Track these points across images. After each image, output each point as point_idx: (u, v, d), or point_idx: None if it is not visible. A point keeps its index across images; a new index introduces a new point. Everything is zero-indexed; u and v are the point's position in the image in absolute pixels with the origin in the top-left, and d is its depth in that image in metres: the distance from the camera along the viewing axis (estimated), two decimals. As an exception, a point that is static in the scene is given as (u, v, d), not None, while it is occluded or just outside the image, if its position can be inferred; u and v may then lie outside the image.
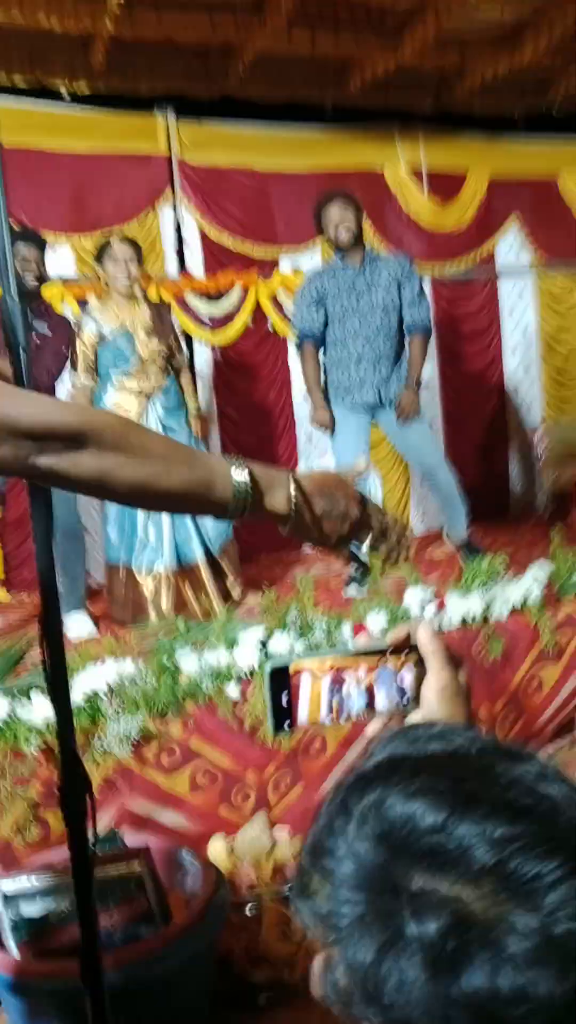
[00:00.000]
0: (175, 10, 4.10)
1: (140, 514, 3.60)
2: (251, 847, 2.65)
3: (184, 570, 3.67)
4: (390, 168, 5.50)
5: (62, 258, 4.70)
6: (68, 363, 3.69)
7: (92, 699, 2.53)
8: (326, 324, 4.00)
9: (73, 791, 1.28)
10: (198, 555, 3.68)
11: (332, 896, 0.54)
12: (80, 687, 2.54)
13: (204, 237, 5.02)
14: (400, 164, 5.51)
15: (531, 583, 3.43)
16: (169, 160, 4.93)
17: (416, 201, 5.59)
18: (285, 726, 0.82)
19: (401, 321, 3.99)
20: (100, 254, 3.71)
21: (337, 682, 0.83)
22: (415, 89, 5.21)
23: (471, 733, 0.63)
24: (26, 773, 2.40)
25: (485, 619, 3.32)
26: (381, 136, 5.43)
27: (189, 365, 4.02)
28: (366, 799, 0.56)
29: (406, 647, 0.84)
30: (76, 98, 4.66)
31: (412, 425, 4.01)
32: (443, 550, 4.61)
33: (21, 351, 1.19)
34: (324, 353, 4.07)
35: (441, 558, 4.55)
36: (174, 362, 3.81)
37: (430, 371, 5.81)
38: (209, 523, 3.67)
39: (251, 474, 0.92)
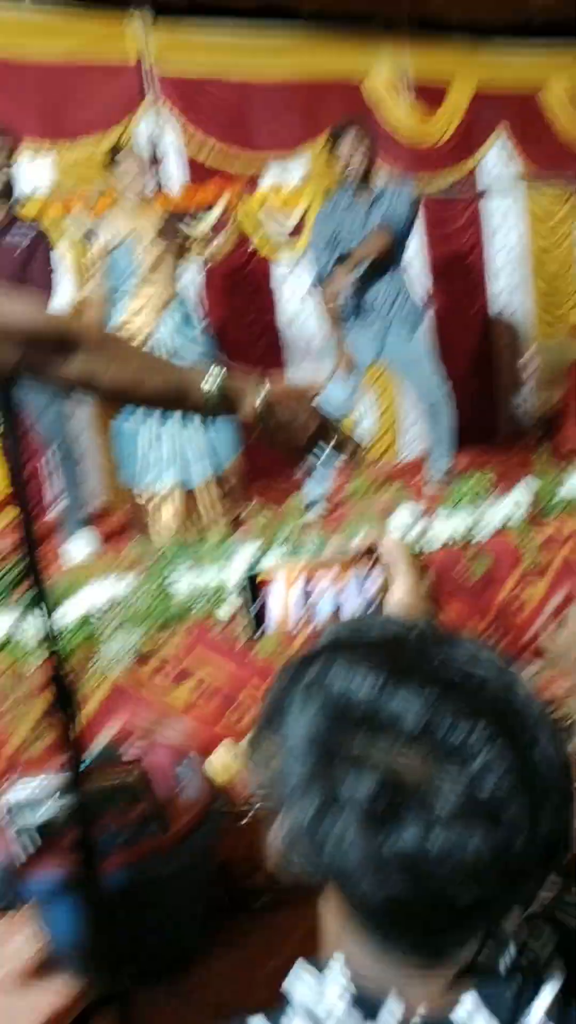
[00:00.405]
0: None
1: (146, 434, 3.56)
2: (247, 759, 2.72)
3: (190, 489, 3.66)
4: (370, 78, 5.31)
5: (43, 169, 4.53)
6: (54, 275, 3.59)
7: (89, 616, 2.56)
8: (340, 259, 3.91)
9: (62, 697, 1.33)
10: (205, 475, 3.65)
11: (281, 761, 0.58)
12: (78, 605, 2.57)
13: (183, 153, 4.86)
14: (381, 73, 5.33)
15: (515, 503, 3.46)
16: (140, 69, 4.72)
17: (397, 113, 5.42)
18: (259, 632, 0.87)
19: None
20: (114, 158, 3.60)
21: (304, 586, 0.86)
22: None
23: (411, 622, 0.66)
24: (35, 684, 2.43)
25: (468, 541, 3.35)
26: (361, 39, 5.20)
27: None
28: (310, 673, 0.59)
29: (372, 554, 0.86)
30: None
31: (421, 356, 4.04)
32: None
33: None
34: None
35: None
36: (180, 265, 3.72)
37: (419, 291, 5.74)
38: (219, 442, 3.64)
39: (221, 385, 1.01)
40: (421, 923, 0.56)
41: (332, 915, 0.62)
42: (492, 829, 0.53)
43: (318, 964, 0.62)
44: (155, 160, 4.81)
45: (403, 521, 3.24)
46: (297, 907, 2.30)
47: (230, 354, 4.02)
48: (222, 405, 1.02)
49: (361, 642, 0.62)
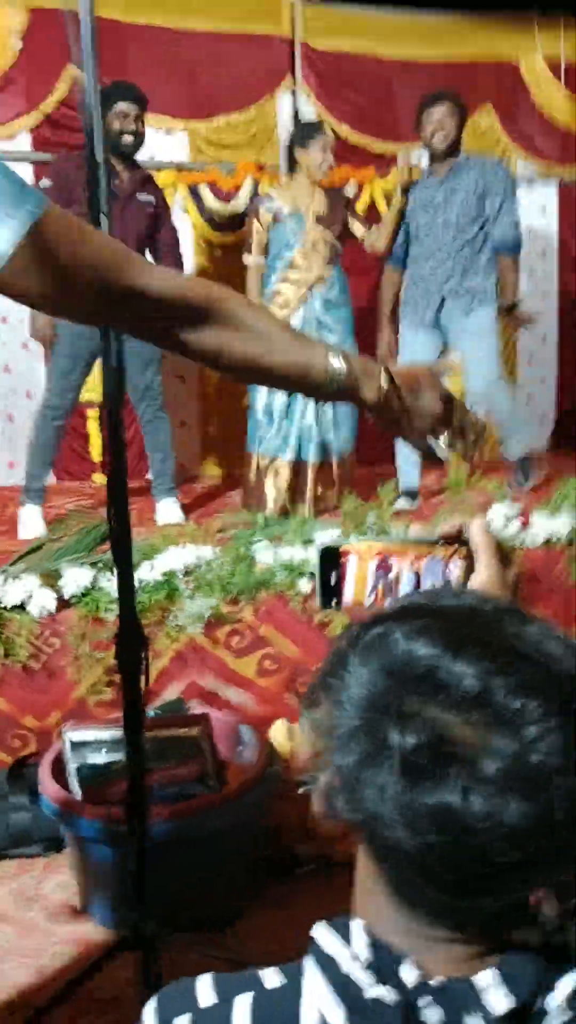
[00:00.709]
0: None
1: (277, 407, 3.65)
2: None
3: (302, 465, 3.72)
4: (526, 60, 5.16)
5: (178, 143, 4.66)
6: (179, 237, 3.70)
7: (170, 577, 2.65)
8: (408, 244, 3.82)
9: (129, 643, 1.37)
10: (319, 455, 3.72)
11: (334, 712, 0.60)
12: (160, 566, 2.66)
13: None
14: (538, 55, 5.15)
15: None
16: (292, 43, 4.75)
17: (554, 97, 5.23)
18: (332, 603, 0.85)
19: (465, 236, 3.71)
20: (304, 136, 3.62)
21: (383, 567, 0.85)
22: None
23: (487, 598, 0.66)
24: (106, 639, 2.56)
25: (570, 542, 3.26)
26: (518, 24, 5.06)
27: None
28: (375, 631, 0.61)
29: (457, 540, 0.84)
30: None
31: (478, 335, 3.76)
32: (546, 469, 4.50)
33: (103, 216, 1.22)
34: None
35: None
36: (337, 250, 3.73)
37: (550, 282, 5.57)
38: (340, 428, 3.71)
39: (347, 363, 0.99)
40: (453, 879, 0.56)
41: (364, 873, 0.64)
42: (536, 797, 0.54)
43: (340, 925, 0.64)
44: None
45: (499, 517, 3.18)
46: (343, 878, 2.34)
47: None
48: (346, 387, 1.01)
49: (432, 608, 0.63)
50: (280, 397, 3.66)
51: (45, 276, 0.88)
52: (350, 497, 3.13)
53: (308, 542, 2.88)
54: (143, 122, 3.49)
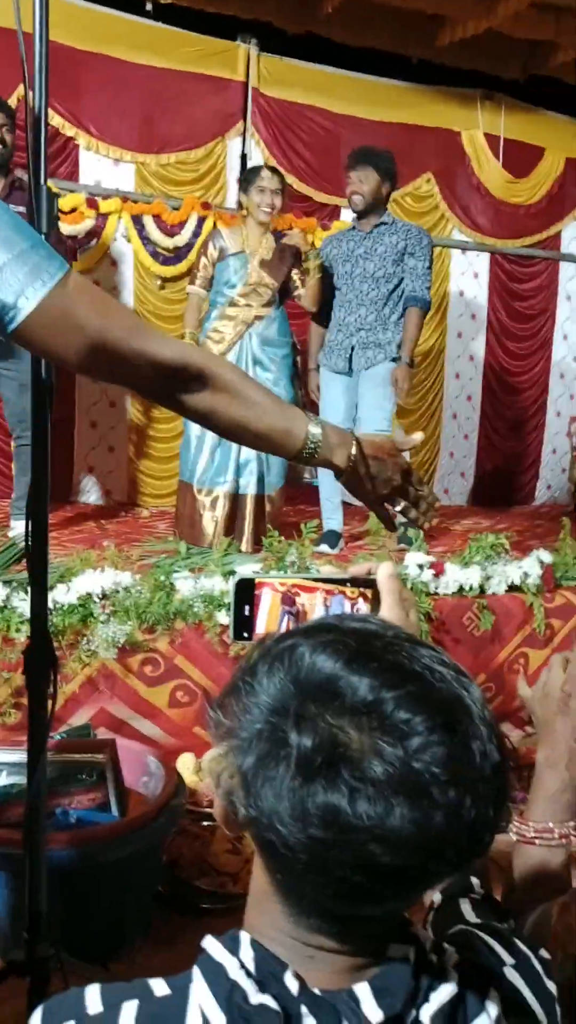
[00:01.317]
0: None
1: (211, 439, 3.66)
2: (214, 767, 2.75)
3: (236, 497, 3.73)
4: (468, 132, 5.43)
5: (124, 173, 4.71)
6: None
7: (85, 600, 2.62)
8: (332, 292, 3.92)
9: (39, 662, 1.36)
10: (253, 490, 3.73)
11: (241, 716, 0.63)
12: (76, 588, 2.63)
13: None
14: (479, 128, 5.44)
15: (532, 565, 3.47)
16: (245, 88, 4.89)
17: (490, 168, 5.51)
18: (244, 635, 0.88)
19: (380, 290, 3.84)
20: (247, 181, 3.69)
21: (288, 601, 0.88)
22: (504, 54, 5.11)
23: (389, 625, 0.70)
24: (13, 659, 2.51)
25: (482, 591, 3.37)
26: (462, 97, 5.35)
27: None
28: (283, 644, 0.65)
29: (365, 582, 0.88)
30: (160, 12, 4.63)
31: (371, 389, 3.85)
32: (462, 524, 4.66)
33: (40, 236, 1.24)
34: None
35: (456, 530, 4.60)
36: (283, 295, 3.79)
37: (478, 345, 5.80)
38: (272, 465, 3.74)
39: (323, 431, 1.10)
40: (337, 879, 0.59)
41: (256, 884, 0.67)
42: (418, 803, 0.57)
43: (228, 938, 0.66)
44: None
45: (414, 565, 3.26)
46: (240, 915, 2.33)
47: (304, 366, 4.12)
48: (321, 452, 1.10)
49: (338, 627, 0.66)
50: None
51: (65, 335, 0.97)
52: (273, 534, 3.16)
53: (229, 574, 2.90)
54: (12, 131, 3.46)
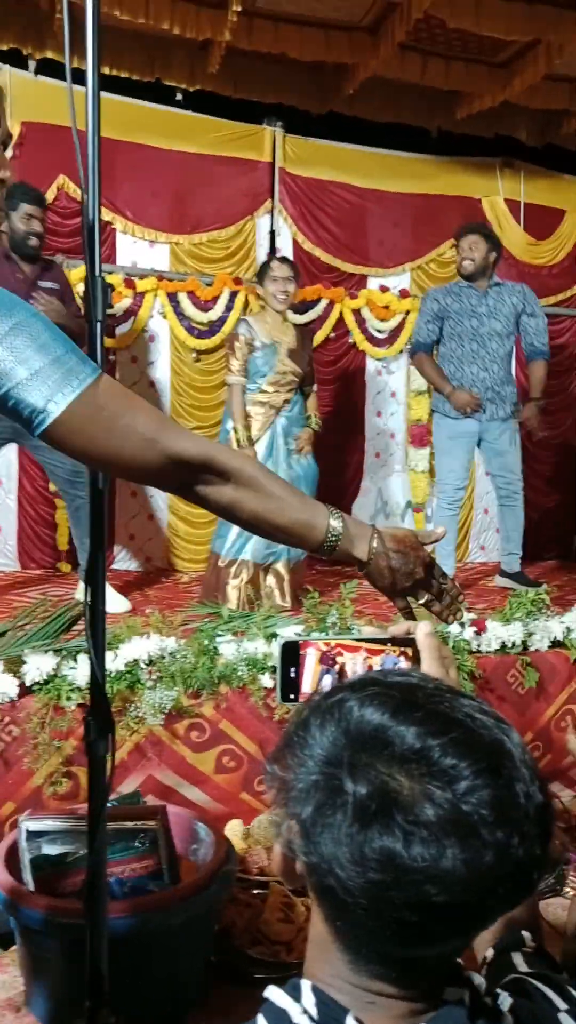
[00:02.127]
0: (292, 25, 4.27)
1: None
2: (266, 833, 2.74)
3: (261, 567, 3.84)
4: (488, 199, 5.58)
5: (158, 254, 4.91)
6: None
7: (132, 667, 2.66)
8: (438, 340, 4.19)
9: (100, 726, 1.39)
10: (278, 558, 3.85)
11: (297, 768, 0.68)
12: (124, 655, 2.68)
13: (297, 247, 5.17)
14: (499, 195, 5.59)
15: (575, 619, 3.46)
16: (272, 168, 5.10)
17: (512, 233, 5.64)
18: (291, 697, 0.93)
19: (506, 347, 4.17)
20: (261, 274, 3.91)
21: (328, 661, 0.92)
22: (520, 123, 5.29)
23: (429, 678, 0.75)
24: (64, 728, 2.55)
25: (524, 648, 3.36)
26: (482, 166, 5.52)
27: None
28: (332, 699, 0.70)
29: (405, 641, 0.93)
30: (189, 102, 4.87)
31: (511, 448, 4.21)
32: (496, 582, 4.65)
33: (97, 323, 1.33)
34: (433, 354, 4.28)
35: (493, 587, 4.59)
36: (304, 384, 4.02)
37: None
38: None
39: (343, 524, 1.11)
40: (395, 921, 0.62)
41: (315, 933, 0.71)
42: (468, 844, 0.61)
43: (290, 986, 0.70)
44: (272, 255, 5.14)
45: (454, 624, 3.26)
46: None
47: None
48: (340, 547, 1.11)
49: (382, 681, 0.71)
50: None
51: (95, 436, 1.00)
52: (314, 595, 3.19)
53: (271, 637, 2.93)
54: (43, 222, 3.61)
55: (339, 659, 0.93)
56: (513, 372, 4.26)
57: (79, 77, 1.30)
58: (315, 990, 0.68)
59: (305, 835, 0.65)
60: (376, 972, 0.67)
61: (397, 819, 0.61)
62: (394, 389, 5.51)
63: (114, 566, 4.85)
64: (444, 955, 0.68)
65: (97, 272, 1.31)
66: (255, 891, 2.53)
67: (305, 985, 0.69)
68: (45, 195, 4.58)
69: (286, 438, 3.92)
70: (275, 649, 2.84)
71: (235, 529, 3.78)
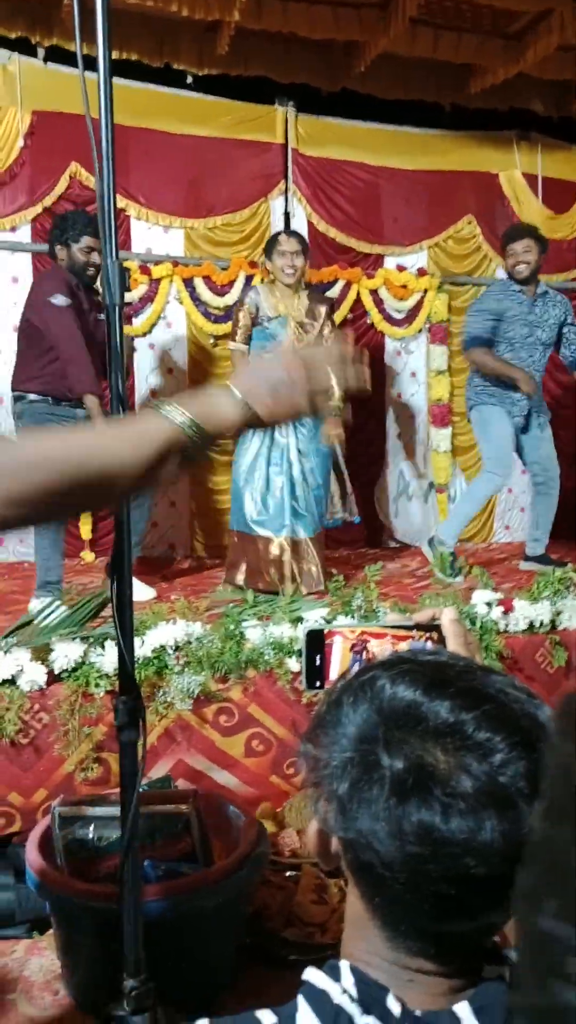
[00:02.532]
0: (301, 3, 4.22)
1: (261, 485, 3.77)
2: (298, 816, 2.74)
3: (285, 542, 3.78)
4: (505, 173, 5.51)
5: (173, 239, 4.89)
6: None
7: (160, 653, 2.67)
8: (493, 339, 4.16)
9: (130, 710, 1.40)
10: (307, 532, 3.80)
11: (331, 746, 0.68)
12: (150, 641, 2.68)
13: (312, 229, 5.13)
14: (516, 168, 5.51)
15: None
16: (285, 149, 5.06)
17: (529, 207, 5.57)
18: (317, 684, 0.92)
19: (547, 357, 4.24)
20: (269, 248, 3.86)
21: (357, 649, 0.92)
22: (535, 95, 5.20)
23: (458, 656, 0.75)
24: (93, 714, 2.56)
25: (553, 627, 3.33)
26: (498, 140, 5.45)
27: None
28: (363, 677, 0.70)
29: (430, 627, 0.92)
30: (199, 84, 4.83)
31: (547, 441, 4.29)
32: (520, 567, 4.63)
33: (116, 308, 1.32)
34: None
35: (523, 567, 4.56)
36: None
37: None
38: (312, 505, 3.81)
39: (190, 418, 0.90)
40: (433, 895, 0.62)
41: (352, 912, 0.70)
42: (505, 815, 0.61)
43: (329, 967, 0.70)
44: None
45: (481, 603, 3.25)
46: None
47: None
48: (200, 429, 0.90)
49: (412, 659, 0.72)
50: (259, 475, 3.77)
51: None
52: (337, 578, 3.19)
53: (297, 620, 2.93)
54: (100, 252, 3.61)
55: (369, 646, 0.92)
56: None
57: (90, 63, 1.28)
58: (354, 970, 0.68)
59: (342, 811, 0.65)
60: (414, 949, 0.66)
61: (435, 792, 0.61)
62: (414, 369, 5.47)
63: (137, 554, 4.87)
64: (482, 931, 0.67)
65: (114, 257, 1.30)
66: (287, 873, 2.54)
67: (344, 965, 0.68)
68: (57, 183, 4.61)
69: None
70: (300, 637, 2.85)
71: (256, 502, 3.77)
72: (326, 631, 0.92)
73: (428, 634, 0.92)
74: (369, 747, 0.65)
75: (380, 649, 0.91)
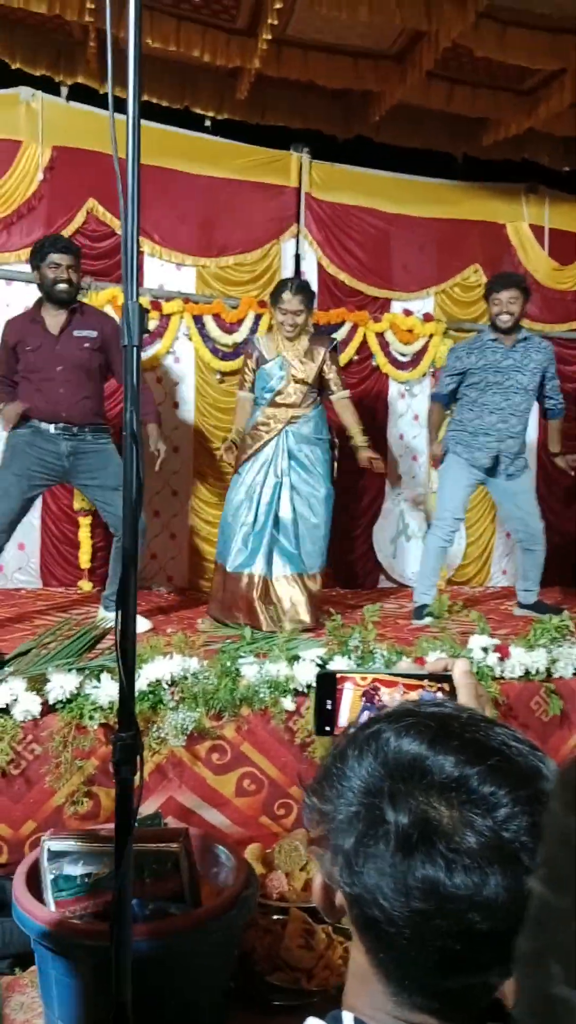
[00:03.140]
0: (320, 52, 4.32)
1: (242, 523, 3.80)
2: (287, 858, 2.72)
3: (273, 579, 3.79)
4: (513, 224, 5.61)
5: (185, 276, 4.96)
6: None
7: (155, 687, 2.67)
8: (455, 393, 4.24)
9: (128, 746, 1.39)
10: (288, 569, 3.80)
11: (336, 799, 0.68)
12: (146, 675, 2.68)
13: (321, 271, 5.20)
14: (524, 220, 5.61)
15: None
16: (298, 194, 5.15)
17: (536, 257, 5.66)
18: (326, 730, 0.91)
19: (529, 401, 4.22)
20: (274, 297, 3.90)
21: (370, 696, 0.92)
22: (544, 149, 5.32)
23: (462, 707, 0.75)
24: (86, 747, 2.55)
25: (548, 675, 3.33)
26: (507, 192, 5.55)
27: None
28: (368, 731, 0.70)
29: (442, 678, 0.92)
30: (216, 127, 4.94)
31: (524, 495, 4.28)
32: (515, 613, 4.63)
33: (134, 348, 1.34)
34: (451, 407, 4.35)
35: (517, 614, 4.56)
36: (321, 395, 4.00)
37: (532, 428, 5.84)
38: (307, 543, 3.82)
39: None
40: (438, 949, 0.62)
41: (356, 965, 0.70)
42: (510, 871, 0.61)
43: (331, 1018, 0.69)
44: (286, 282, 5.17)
45: (478, 649, 3.25)
46: (310, 1015, 2.27)
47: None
48: None
49: (417, 711, 0.72)
50: (245, 510, 3.81)
51: None
52: (335, 617, 3.19)
53: (293, 659, 2.92)
54: (76, 270, 3.68)
55: (380, 695, 0.92)
56: (526, 427, 4.28)
57: (111, 103, 1.32)
58: (357, 1022, 0.68)
59: (348, 866, 0.65)
60: (419, 1004, 0.66)
61: (439, 847, 0.61)
62: (416, 412, 5.52)
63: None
64: (486, 987, 0.67)
65: (134, 298, 1.33)
66: (275, 916, 2.51)
67: (347, 1017, 0.68)
68: (74, 217, 4.68)
69: (292, 456, 3.86)
70: (300, 679, 2.85)
71: (238, 538, 3.80)
72: (338, 676, 0.91)
73: (439, 685, 0.92)
74: (374, 800, 0.65)
75: (391, 698, 0.91)
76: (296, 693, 2.86)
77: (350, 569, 5.37)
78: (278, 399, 3.88)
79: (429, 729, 0.68)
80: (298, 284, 3.93)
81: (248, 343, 4.02)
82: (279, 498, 3.80)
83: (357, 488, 5.30)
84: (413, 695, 0.92)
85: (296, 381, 3.87)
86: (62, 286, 3.61)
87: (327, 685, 0.91)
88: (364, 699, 0.91)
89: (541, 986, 0.42)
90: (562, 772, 0.50)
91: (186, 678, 2.73)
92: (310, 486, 3.86)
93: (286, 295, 3.85)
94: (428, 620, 4.05)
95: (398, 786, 0.65)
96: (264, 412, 3.89)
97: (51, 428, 3.55)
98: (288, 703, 2.83)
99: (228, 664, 2.84)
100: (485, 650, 3.26)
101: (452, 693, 0.90)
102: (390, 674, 0.93)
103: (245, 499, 3.82)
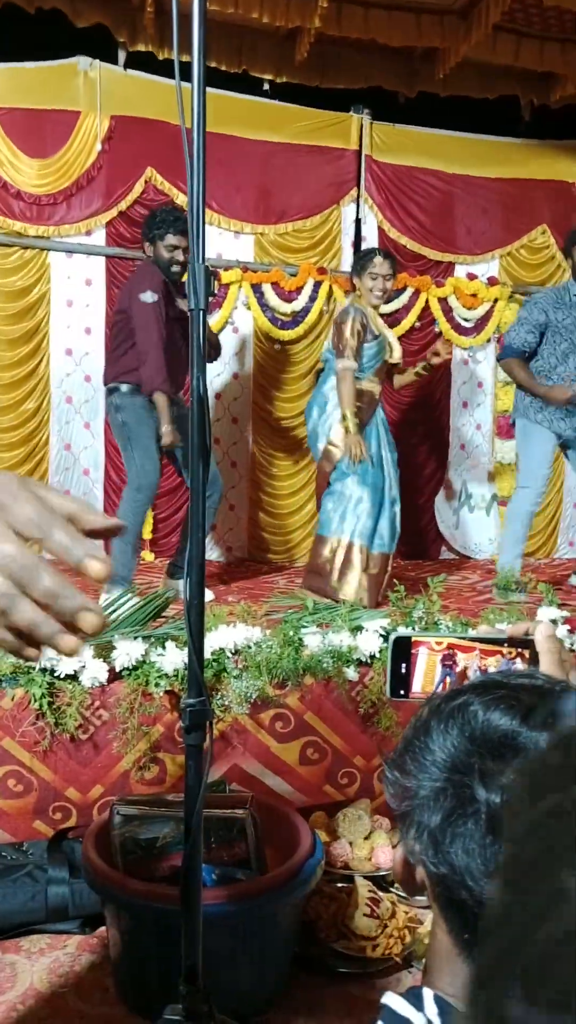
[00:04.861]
0: (381, 9, 4.21)
1: (354, 492, 3.76)
2: (351, 827, 2.72)
3: (372, 554, 3.79)
4: (580, 181, 5.42)
5: (243, 244, 4.91)
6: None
7: (219, 655, 2.68)
8: (535, 351, 4.04)
9: (197, 713, 1.39)
10: (383, 547, 3.80)
11: (419, 773, 0.66)
12: (210, 644, 2.69)
13: (382, 235, 5.10)
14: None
15: None
16: (359, 156, 5.05)
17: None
18: (400, 693, 0.89)
19: None
20: (360, 265, 3.80)
21: (448, 662, 0.89)
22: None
23: (555, 679, 0.71)
24: (152, 714, 2.58)
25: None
26: (573, 148, 5.35)
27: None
28: (454, 702, 0.67)
29: (523, 643, 0.88)
30: (276, 91, 4.85)
31: None
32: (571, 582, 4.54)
33: (200, 312, 1.32)
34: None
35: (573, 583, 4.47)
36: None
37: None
38: (395, 525, 3.83)
39: None
40: None
41: (438, 942, 0.68)
42: None
43: (411, 994, 0.67)
44: (358, 243, 5.08)
45: (548, 618, 3.18)
46: (374, 983, 2.28)
47: (404, 427, 4.17)
48: None
49: (507, 683, 0.69)
50: (357, 485, 3.76)
51: None
52: (399, 589, 3.15)
53: (356, 629, 2.90)
54: (187, 251, 3.63)
55: (457, 659, 0.89)
56: None
57: (176, 71, 1.28)
58: (438, 999, 0.66)
59: (433, 844, 0.63)
60: None
61: None
62: (481, 379, 5.41)
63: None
64: None
65: (201, 260, 1.30)
66: (339, 884, 2.51)
67: (427, 994, 0.66)
68: (133, 187, 4.67)
69: (385, 428, 3.88)
70: (376, 652, 2.83)
71: (342, 509, 3.75)
72: (413, 640, 0.89)
73: (520, 650, 0.89)
74: (462, 777, 0.63)
75: (468, 663, 0.88)
76: (359, 663, 2.84)
77: (412, 541, 5.32)
78: (375, 377, 3.82)
79: (520, 703, 0.65)
80: (386, 251, 3.88)
81: (347, 311, 3.77)
82: (386, 476, 3.79)
83: (418, 458, 5.23)
84: (492, 660, 0.88)
85: (387, 363, 3.85)
86: (178, 268, 3.61)
87: (402, 647, 0.89)
88: (442, 664, 0.88)
89: (494, 1009, 0.36)
90: (523, 763, 0.47)
91: (249, 647, 2.73)
92: (392, 455, 3.86)
93: (377, 259, 3.76)
94: (518, 596, 3.94)
95: (488, 763, 0.62)
96: (362, 386, 3.77)
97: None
98: (351, 673, 2.81)
99: (291, 634, 2.83)
100: (554, 622, 3.19)
101: (533, 659, 0.86)
102: (467, 638, 0.89)
103: (358, 477, 3.73)
